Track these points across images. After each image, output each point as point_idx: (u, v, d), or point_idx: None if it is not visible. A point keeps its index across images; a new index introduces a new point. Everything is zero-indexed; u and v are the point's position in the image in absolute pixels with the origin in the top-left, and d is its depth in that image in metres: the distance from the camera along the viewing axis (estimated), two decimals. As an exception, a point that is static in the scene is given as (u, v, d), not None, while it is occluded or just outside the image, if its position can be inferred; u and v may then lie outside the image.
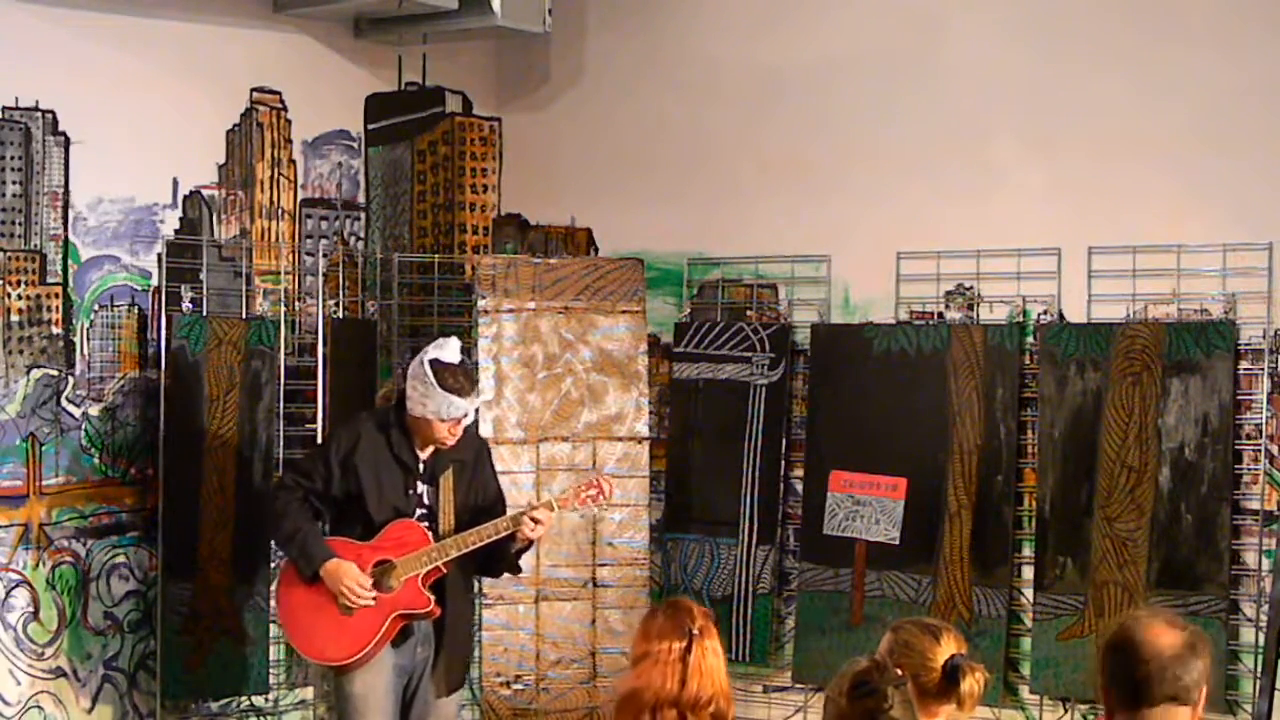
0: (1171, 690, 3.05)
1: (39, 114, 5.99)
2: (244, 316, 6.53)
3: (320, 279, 6.76)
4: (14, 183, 5.94)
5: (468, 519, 5.43)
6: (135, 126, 6.24)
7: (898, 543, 6.39)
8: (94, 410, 6.15)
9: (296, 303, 6.74)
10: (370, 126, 7.10)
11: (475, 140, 7.46)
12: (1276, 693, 5.41)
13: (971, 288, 6.40)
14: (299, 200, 6.82)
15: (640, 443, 6.69)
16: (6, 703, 5.90)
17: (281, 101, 6.75)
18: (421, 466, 5.44)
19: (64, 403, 6.06)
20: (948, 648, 3.65)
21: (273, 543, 6.05)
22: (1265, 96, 5.83)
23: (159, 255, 6.34)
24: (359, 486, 5.38)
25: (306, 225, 6.86)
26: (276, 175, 6.73)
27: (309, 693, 6.68)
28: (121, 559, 6.24)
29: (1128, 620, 3.18)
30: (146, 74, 6.28)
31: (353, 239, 7.04)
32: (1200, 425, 5.88)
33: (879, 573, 6.42)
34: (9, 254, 5.92)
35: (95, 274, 6.15)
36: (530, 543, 5.47)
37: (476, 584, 5.92)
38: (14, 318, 5.93)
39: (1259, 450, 5.83)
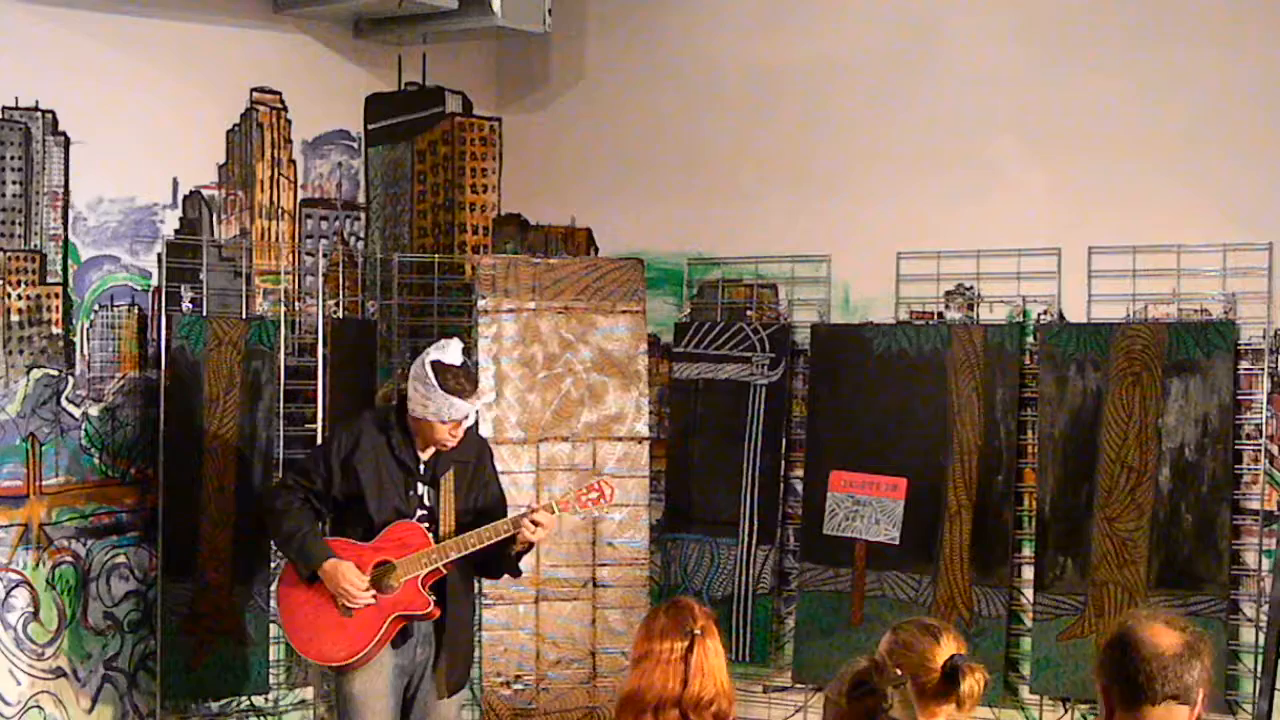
0: (1173, 689, 3.05)
1: (39, 114, 5.99)
2: (244, 316, 6.53)
3: (320, 279, 6.76)
4: (14, 183, 5.94)
5: (469, 520, 5.43)
6: (135, 126, 6.24)
7: (898, 543, 6.39)
8: (94, 410, 6.15)
9: (296, 303, 6.74)
10: (370, 126, 7.10)
11: (475, 140, 7.46)
12: (1276, 693, 5.42)
13: (971, 288, 6.40)
14: (299, 200, 6.82)
15: (640, 443, 6.69)
16: (6, 703, 5.90)
17: (281, 101, 6.75)
18: (422, 468, 5.44)
19: (64, 403, 6.06)
20: (947, 648, 3.65)
21: (272, 542, 6.05)
22: (1265, 96, 5.83)
23: (159, 255, 6.34)
24: (359, 487, 5.38)
25: (306, 225, 6.86)
26: (276, 175, 6.73)
27: (309, 693, 6.68)
28: (121, 559, 6.24)
29: (1128, 619, 3.18)
30: (146, 74, 6.28)
31: (353, 239, 7.04)
32: (1200, 425, 5.88)
33: (879, 573, 6.42)
34: (9, 254, 5.92)
35: (95, 274, 6.16)
36: (530, 545, 5.47)
37: (477, 584, 5.91)
38: (14, 318, 5.93)
39: (1259, 450, 5.83)
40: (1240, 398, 5.86)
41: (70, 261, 6.07)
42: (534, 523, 5.33)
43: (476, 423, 5.66)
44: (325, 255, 6.85)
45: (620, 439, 6.66)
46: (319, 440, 6.42)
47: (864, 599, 6.45)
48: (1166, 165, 5.99)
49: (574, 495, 5.54)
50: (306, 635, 5.41)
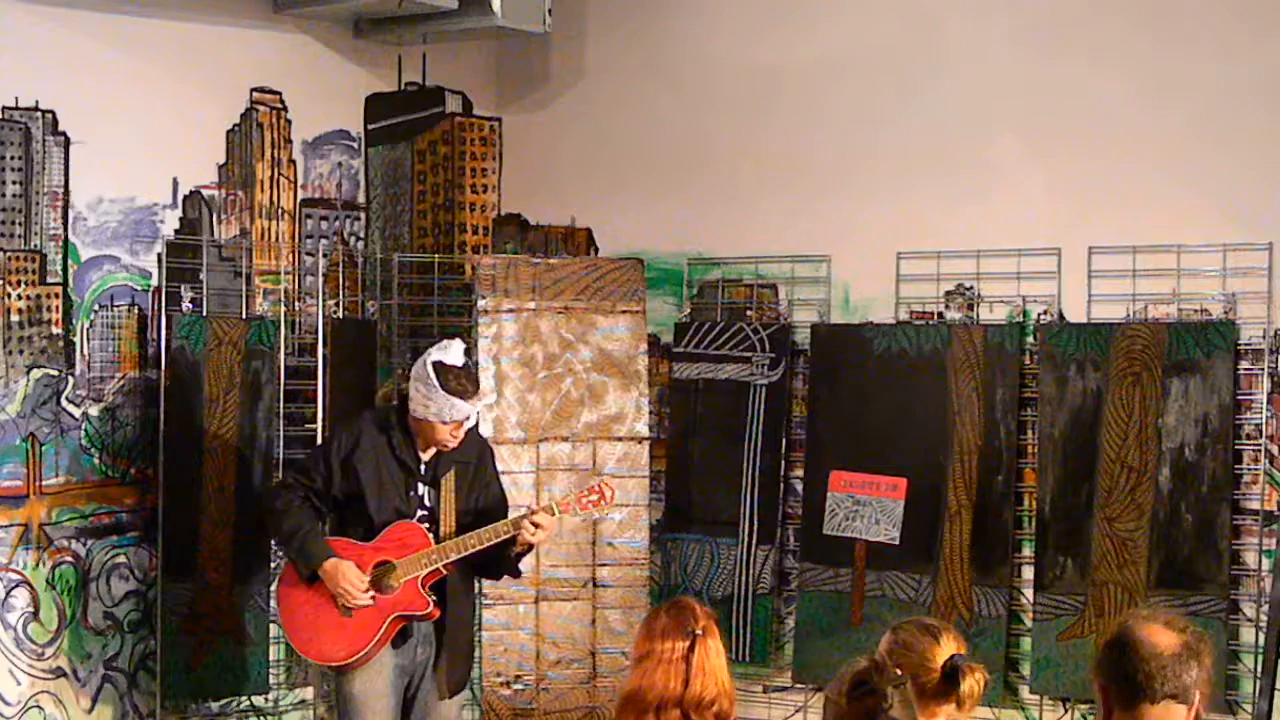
0: (1172, 689, 3.06)
1: (39, 114, 5.99)
2: (244, 316, 6.53)
3: (320, 279, 6.76)
4: (14, 183, 5.94)
5: (469, 521, 5.43)
6: (135, 126, 6.24)
7: (898, 543, 6.39)
8: (94, 410, 6.15)
9: (296, 303, 6.74)
10: (370, 126, 7.10)
11: (475, 140, 7.46)
12: (1276, 693, 5.42)
13: (971, 288, 6.40)
14: (299, 200, 6.82)
15: (640, 443, 6.69)
16: (6, 703, 5.90)
17: (281, 101, 6.75)
18: (423, 468, 5.44)
19: (64, 403, 6.06)
20: (947, 648, 3.65)
21: (272, 542, 6.05)
22: (1265, 96, 5.83)
23: (159, 255, 6.34)
24: (359, 487, 5.38)
25: (306, 225, 6.86)
26: (276, 175, 6.73)
27: (309, 693, 6.68)
28: (121, 559, 6.24)
29: (1128, 619, 3.18)
30: (146, 74, 6.28)
31: (353, 239, 7.04)
32: (1200, 425, 5.88)
33: (879, 573, 6.42)
34: (9, 254, 5.92)
35: (95, 274, 6.16)
36: (530, 547, 5.47)
37: (477, 585, 5.91)
38: (14, 318, 5.93)
39: (1259, 450, 5.83)
40: (1240, 398, 5.86)
41: (70, 261, 6.07)
42: (534, 524, 5.33)
43: (477, 423, 5.65)
44: (325, 255, 6.85)
45: (620, 439, 6.66)
46: (319, 440, 6.43)
47: (864, 599, 6.45)
48: (1166, 165, 5.99)
49: (574, 497, 5.53)
50: (306, 635, 5.41)
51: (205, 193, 6.50)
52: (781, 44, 6.81)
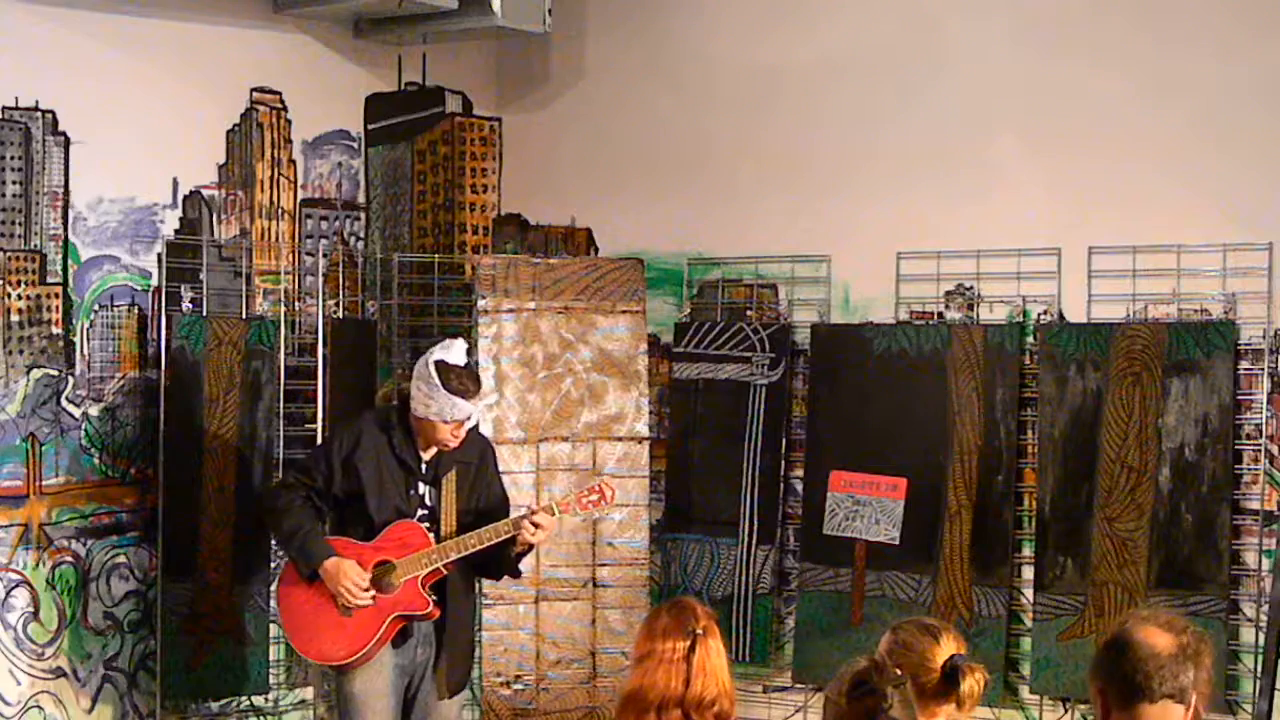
0: (1170, 689, 3.06)
1: (39, 114, 5.99)
2: (244, 316, 6.53)
3: (320, 279, 6.76)
4: (14, 183, 5.94)
5: (470, 521, 5.42)
6: (135, 126, 6.24)
7: (898, 543, 6.39)
8: (94, 410, 6.15)
9: (296, 303, 6.74)
10: (370, 126, 7.10)
11: (475, 140, 7.46)
12: (1276, 693, 5.42)
13: (971, 288, 6.40)
14: (299, 200, 6.82)
15: (640, 443, 6.69)
16: (6, 703, 5.90)
17: (281, 101, 6.75)
18: (424, 467, 5.43)
19: (64, 403, 6.06)
20: (947, 648, 3.65)
21: (273, 541, 6.05)
22: (1265, 96, 5.83)
23: (159, 255, 6.34)
24: (360, 486, 5.38)
25: (306, 225, 6.86)
26: (276, 175, 6.73)
27: (309, 693, 6.68)
28: (121, 559, 6.24)
29: (1127, 620, 3.19)
30: (146, 74, 6.29)
31: (353, 239, 7.04)
32: (1200, 425, 5.88)
33: (879, 573, 6.42)
34: (9, 254, 5.92)
35: (95, 274, 6.16)
36: (530, 547, 5.46)
37: (477, 585, 5.91)
38: (14, 318, 5.93)
39: (1259, 450, 5.83)
40: (1240, 398, 5.86)
41: (70, 261, 6.07)
42: (534, 524, 5.32)
43: (478, 424, 5.65)
44: (325, 255, 6.85)
45: (620, 439, 6.66)
46: (319, 440, 6.43)
47: (864, 599, 6.45)
48: (1166, 165, 5.99)
49: (574, 497, 5.53)
50: (306, 635, 5.41)
51: (205, 193, 6.50)
52: (781, 44, 6.81)
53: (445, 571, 5.38)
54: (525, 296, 6.65)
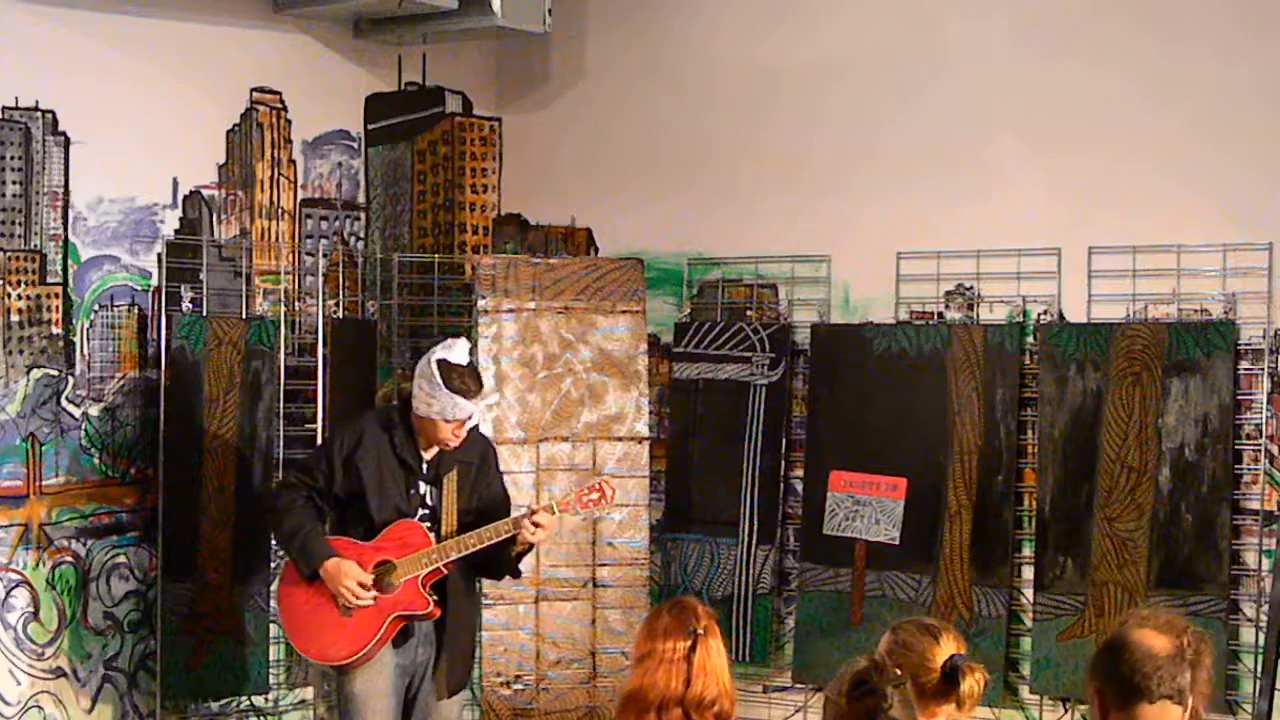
0: (1168, 690, 3.06)
1: (39, 114, 5.99)
2: (244, 316, 6.53)
3: (320, 279, 6.76)
4: (14, 183, 5.94)
5: (471, 521, 5.42)
6: (135, 126, 6.24)
7: (898, 543, 6.39)
8: (94, 410, 6.15)
9: (296, 303, 6.74)
10: (370, 126, 7.10)
11: (475, 140, 7.47)
12: (1276, 693, 5.42)
13: (971, 288, 6.40)
14: (299, 200, 6.83)
15: (640, 443, 6.69)
16: (6, 703, 5.90)
17: (281, 101, 6.75)
18: (425, 467, 5.43)
19: (64, 403, 6.06)
20: (947, 648, 3.65)
21: (273, 541, 6.05)
22: (1265, 96, 5.83)
23: (159, 255, 6.34)
24: (360, 485, 5.37)
25: (306, 225, 6.86)
26: (276, 175, 6.73)
27: (309, 693, 6.68)
28: (121, 559, 6.24)
29: (1127, 619, 3.19)
30: (146, 74, 6.29)
31: (353, 239, 7.04)
32: (1200, 425, 5.88)
33: (879, 573, 6.42)
34: (9, 254, 5.92)
35: (95, 274, 6.16)
36: (531, 546, 5.46)
37: (478, 585, 5.91)
38: (14, 318, 5.93)
39: (1259, 450, 5.83)
40: (1240, 398, 5.86)
41: (70, 261, 6.07)
42: (534, 524, 5.32)
43: (478, 424, 5.65)
44: (325, 255, 6.85)
45: (620, 439, 6.66)
46: (319, 440, 6.43)
47: (864, 599, 6.45)
48: (1166, 165, 5.99)
49: (575, 496, 5.52)
50: (307, 634, 5.41)
51: (205, 193, 6.50)
52: (781, 44, 6.81)
53: (445, 571, 5.38)
54: (525, 296, 6.65)
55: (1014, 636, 6.22)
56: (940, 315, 6.45)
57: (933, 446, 6.34)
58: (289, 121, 6.77)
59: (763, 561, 6.69)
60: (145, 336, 6.30)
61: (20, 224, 5.95)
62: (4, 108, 5.91)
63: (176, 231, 6.39)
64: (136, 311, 6.28)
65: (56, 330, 6.04)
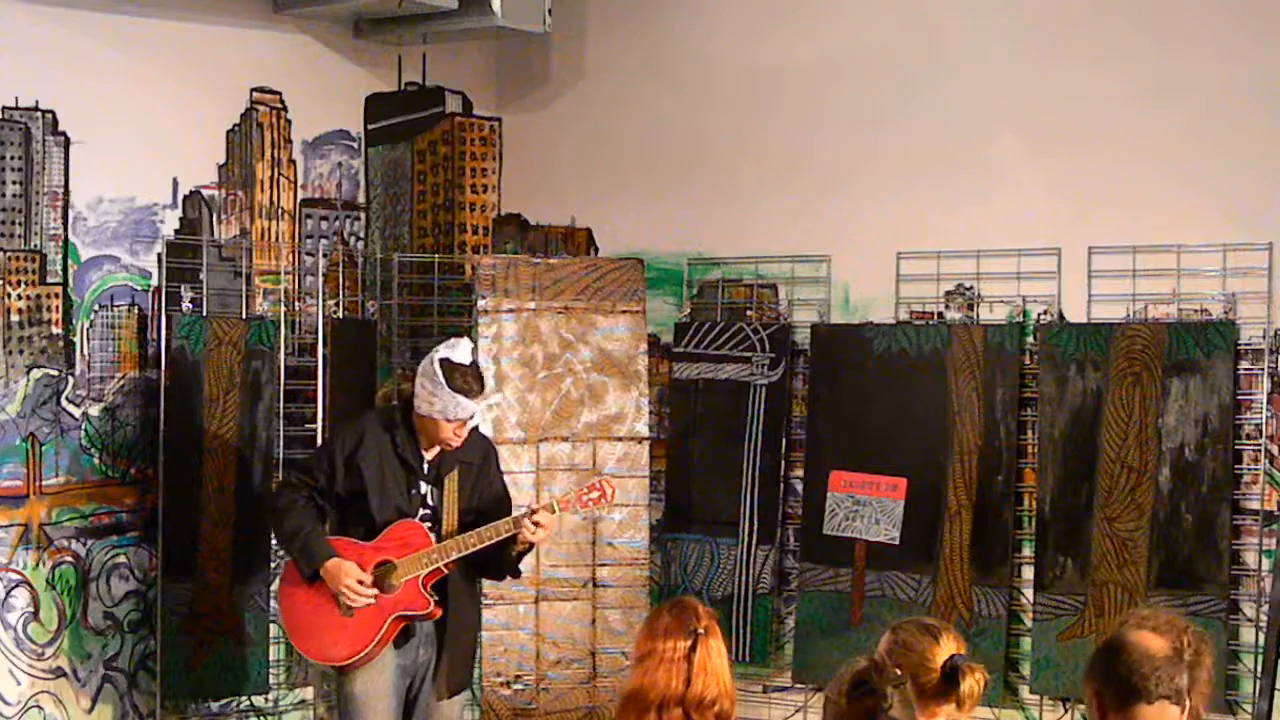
0: (1166, 690, 3.06)
1: (39, 114, 5.99)
2: (244, 316, 6.53)
3: (320, 279, 6.76)
4: (14, 183, 5.94)
5: (472, 521, 5.41)
6: (135, 126, 6.24)
7: (898, 543, 6.39)
8: (94, 410, 6.15)
9: (296, 303, 6.74)
10: (370, 126, 7.10)
11: (475, 140, 7.47)
12: (1276, 693, 5.42)
13: (971, 288, 6.40)
14: (299, 200, 6.83)
15: (640, 443, 6.69)
16: (6, 703, 5.90)
17: (281, 101, 6.75)
18: (426, 467, 5.43)
19: (64, 403, 6.07)
20: (947, 648, 3.65)
21: (274, 540, 6.05)
22: (1265, 96, 5.83)
23: (159, 255, 6.34)
24: (362, 485, 5.37)
25: (306, 225, 6.86)
26: (276, 175, 6.73)
27: (309, 693, 6.68)
28: (121, 559, 6.24)
29: (1127, 620, 3.19)
30: (146, 74, 6.29)
31: (353, 239, 7.04)
32: (1200, 425, 5.88)
33: (879, 573, 6.42)
34: (9, 254, 5.93)
35: (95, 274, 6.16)
36: (531, 546, 5.46)
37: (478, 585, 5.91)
38: (14, 318, 5.93)
39: (1259, 450, 5.83)
40: (1240, 398, 5.86)
41: (70, 261, 6.07)
42: (535, 523, 5.32)
43: (478, 425, 5.65)
44: (325, 255, 6.85)
45: (620, 439, 6.66)
46: (319, 440, 6.43)
47: (864, 599, 6.45)
48: (1166, 165, 5.99)
49: (575, 495, 5.52)
50: (307, 634, 5.41)
51: (205, 193, 6.50)
52: (781, 44, 6.81)
53: (446, 571, 5.38)
54: (525, 296, 6.65)
55: (1014, 636, 6.22)
56: (940, 315, 6.45)
57: (933, 446, 6.34)
58: (289, 121, 6.77)
59: (763, 561, 6.69)
60: (145, 336, 6.30)
61: (20, 224, 5.95)
62: (4, 108, 5.91)
63: (176, 231, 6.39)
64: (136, 311, 6.28)
65: (56, 330, 6.04)
